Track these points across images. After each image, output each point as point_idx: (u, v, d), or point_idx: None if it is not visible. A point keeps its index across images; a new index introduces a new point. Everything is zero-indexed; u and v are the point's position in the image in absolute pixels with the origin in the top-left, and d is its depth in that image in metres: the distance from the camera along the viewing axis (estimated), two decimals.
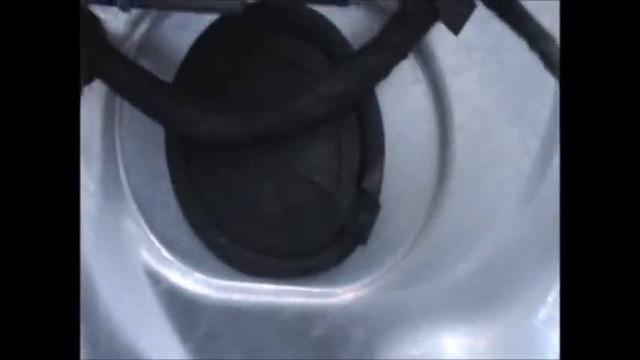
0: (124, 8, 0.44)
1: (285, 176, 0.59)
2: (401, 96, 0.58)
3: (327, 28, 0.56)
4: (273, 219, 0.60)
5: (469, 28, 0.53)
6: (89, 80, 0.55)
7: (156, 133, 0.59)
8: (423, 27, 0.53)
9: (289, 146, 0.58)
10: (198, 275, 0.61)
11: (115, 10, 0.45)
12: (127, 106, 0.57)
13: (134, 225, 0.61)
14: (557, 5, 0.54)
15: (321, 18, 0.56)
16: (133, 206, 0.61)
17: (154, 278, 0.61)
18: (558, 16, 0.53)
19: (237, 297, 0.61)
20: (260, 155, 0.58)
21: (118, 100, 0.58)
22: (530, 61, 0.54)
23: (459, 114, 0.58)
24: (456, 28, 0.50)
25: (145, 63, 0.57)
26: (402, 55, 0.53)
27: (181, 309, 0.61)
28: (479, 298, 0.61)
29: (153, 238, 0.61)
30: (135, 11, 0.57)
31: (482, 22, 0.54)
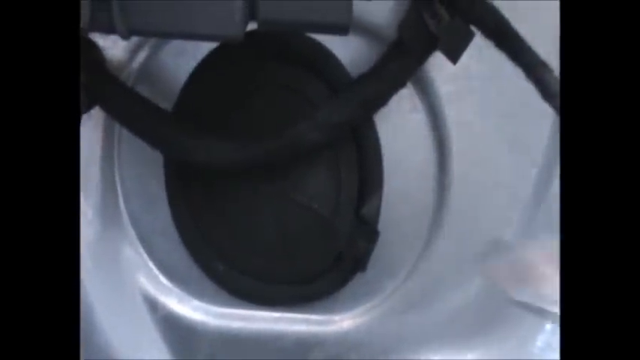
0: (124, 36, 0.44)
1: (284, 203, 0.59)
2: (400, 124, 0.58)
3: (326, 56, 0.56)
4: (272, 246, 0.60)
5: (467, 56, 0.53)
6: (88, 107, 0.55)
7: (155, 160, 0.59)
8: (422, 56, 0.53)
9: (288, 174, 0.58)
10: (197, 302, 0.61)
11: (114, 37, 0.45)
12: (126, 133, 0.57)
13: (132, 252, 0.61)
14: (555, 35, 0.55)
15: (321, 47, 0.56)
16: (131, 233, 0.61)
17: (152, 305, 0.61)
18: (555, 46, 0.54)
19: (235, 324, 0.61)
20: (259, 182, 0.58)
21: (117, 127, 0.58)
22: (528, 88, 0.54)
23: (457, 141, 0.58)
24: (454, 56, 0.50)
25: (144, 90, 0.57)
26: (401, 84, 0.54)
27: (180, 336, 0.61)
28: (477, 325, 0.61)
29: (151, 264, 0.61)
30: (134, 39, 0.57)
31: (480, 50, 0.54)
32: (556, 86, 0.48)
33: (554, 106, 0.49)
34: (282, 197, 0.59)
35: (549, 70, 0.49)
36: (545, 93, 0.49)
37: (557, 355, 0.57)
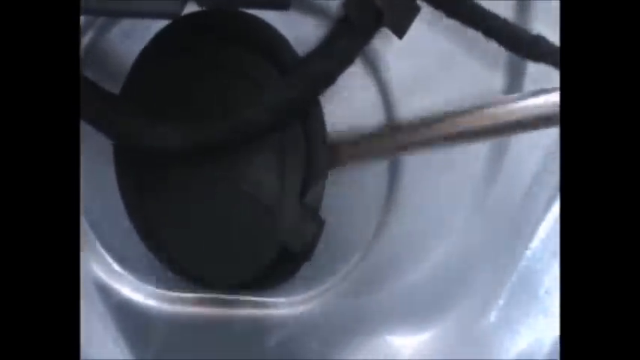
0: None
1: (230, 191, 0.57)
2: (349, 103, 0.58)
3: (272, 36, 0.55)
4: (220, 233, 0.58)
5: (417, 32, 0.53)
6: None
7: (104, 145, 0.58)
8: (368, 32, 0.52)
9: (235, 160, 0.56)
10: (150, 288, 0.61)
11: None
12: None
13: (83, 239, 0.60)
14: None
15: (266, 26, 0.55)
16: (82, 220, 0.60)
17: (106, 292, 0.61)
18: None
19: (189, 309, 0.61)
20: (206, 169, 0.56)
21: None
22: (479, 64, 0.54)
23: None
24: (399, 31, 0.50)
25: (90, 73, 0.55)
26: (348, 62, 0.52)
27: (134, 322, 0.61)
28: (434, 302, 0.61)
29: (103, 251, 0.61)
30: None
31: (430, 25, 0.54)
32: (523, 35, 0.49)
33: (524, 56, 0.49)
34: (228, 184, 0.57)
35: (499, 19, 0.49)
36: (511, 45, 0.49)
37: (508, 331, 0.58)
